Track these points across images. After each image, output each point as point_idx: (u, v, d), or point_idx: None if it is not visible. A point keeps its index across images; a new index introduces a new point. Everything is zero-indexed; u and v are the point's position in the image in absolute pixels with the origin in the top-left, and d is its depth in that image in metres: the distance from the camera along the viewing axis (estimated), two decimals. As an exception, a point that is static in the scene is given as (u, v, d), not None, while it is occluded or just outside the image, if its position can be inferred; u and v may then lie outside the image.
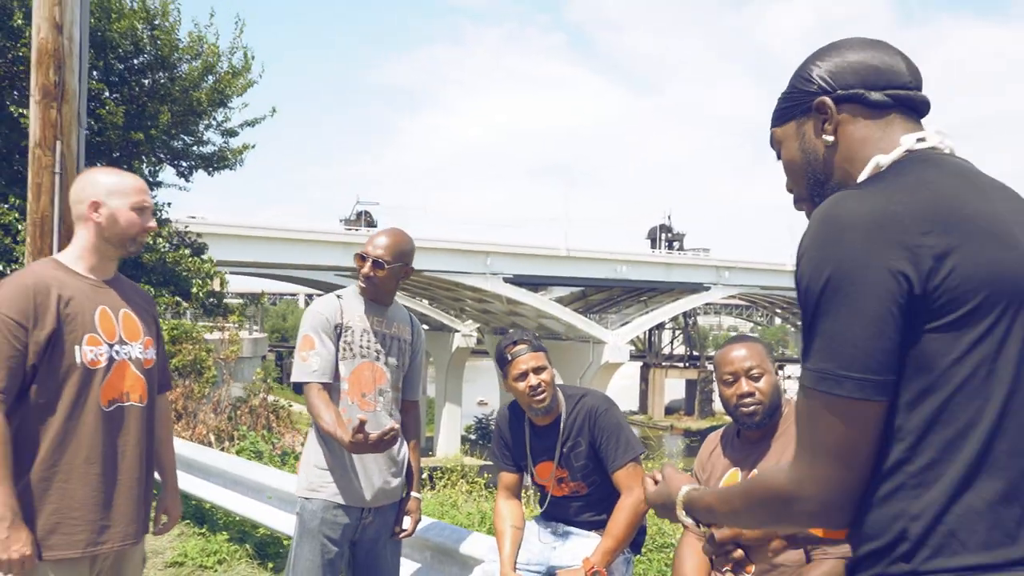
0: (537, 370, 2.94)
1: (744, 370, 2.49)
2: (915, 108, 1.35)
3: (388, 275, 3.01)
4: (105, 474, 2.35)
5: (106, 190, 2.41)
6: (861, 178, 1.30)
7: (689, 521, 1.52)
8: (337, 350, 2.98)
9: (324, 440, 2.98)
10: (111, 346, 2.40)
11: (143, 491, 2.50)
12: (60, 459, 2.28)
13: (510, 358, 2.97)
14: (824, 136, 1.37)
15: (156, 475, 2.78)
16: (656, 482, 1.64)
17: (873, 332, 1.14)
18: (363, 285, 3.04)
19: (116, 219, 2.42)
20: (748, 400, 2.47)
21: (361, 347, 3.00)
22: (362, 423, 2.65)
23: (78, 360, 2.31)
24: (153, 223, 2.52)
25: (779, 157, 1.48)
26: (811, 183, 1.42)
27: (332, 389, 2.96)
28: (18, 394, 2.23)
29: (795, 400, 2.62)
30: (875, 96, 1.33)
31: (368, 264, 3.00)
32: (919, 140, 1.30)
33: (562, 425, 2.99)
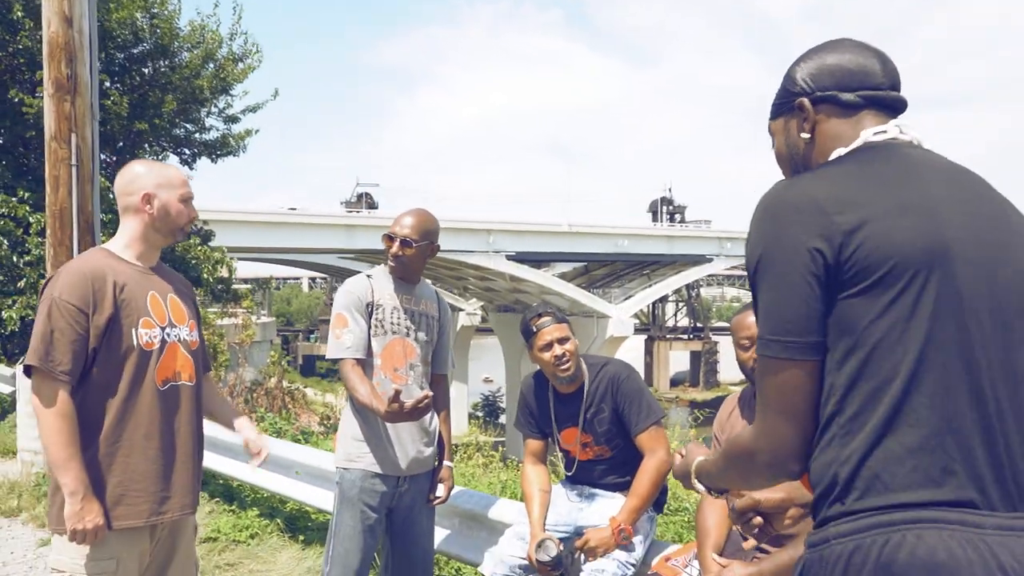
0: (561, 340, 3.08)
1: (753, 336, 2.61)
2: (889, 106, 1.50)
3: (416, 253, 3.15)
4: (163, 449, 2.50)
5: (156, 183, 2.55)
6: None
7: (701, 488, 1.69)
8: (369, 327, 3.11)
9: (360, 412, 3.12)
10: (163, 329, 2.54)
11: (196, 465, 2.65)
12: (122, 435, 2.43)
13: (535, 330, 3.11)
14: (802, 134, 1.55)
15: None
16: (682, 456, 1.82)
17: (794, 301, 1.33)
18: (392, 264, 3.17)
19: (168, 210, 2.56)
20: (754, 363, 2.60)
21: (392, 324, 3.14)
22: (397, 392, 2.78)
23: (135, 343, 2.45)
24: (196, 212, 2.67)
25: (773, 147, 1.66)
26: (794, 173, 1.60)
27: (366, 364, 3.10)
28: (80, 376, 2.37)
29: None
30: (847, 97, 1.50)
31: (396, 244, 3.14)
32: (877, 133, 1.47)
33: (585, 392, 3.12)
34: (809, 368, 1.34)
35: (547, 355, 3.09)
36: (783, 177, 1.62)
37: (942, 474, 1.25)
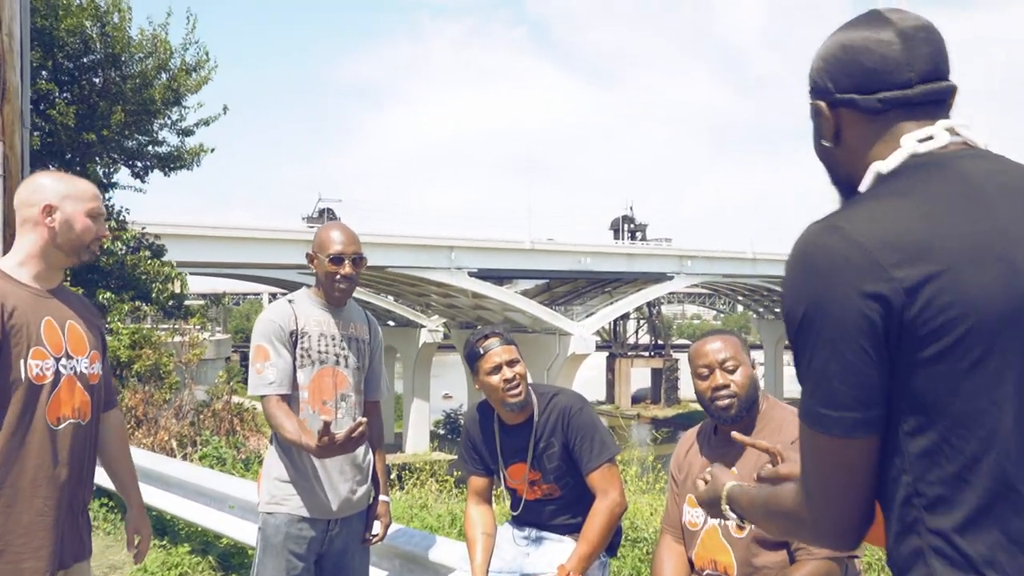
0: (511, 363, 2.85)
1: (719, 362, 2.43)
2: (927, 102, 1.23)
3: (362, 269, 2.93)
4: (51, 497, 2.21)
5: (60, 194, 2.28)
6: (861, 188, 1.23)
7: (733, 516, 1.54)
8: (294, 358, 2.85)
9: (286, 452, 2.86)
10: (57, 360, 2.25)
11: (86, 511, 2.39)
12: (3, 483, 2.14)
13: (482, 352, 2.86)
14: (823, 141, 1.31)
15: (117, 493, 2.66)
16: (706, 482, 1.65)
17: (847, 371, 1.11)
18: (343, 287, 2.91)
19: (71, 225, 2.29)
20: (723, 392, 2.40)
21: (320, 352, 2.88)
22: (327, 424, 2.52)
23: (23, 375, 2.16)
24: (106, 231, 2.39)
25: None
26: (829, 176, 1.37)
27: (291, 399, 2.84)
28: None
29: (775, 400, 2.54)
30: (867, 102, 1.24)
31: (348, 264, 2.89)
32: (922, 140, 1.21)
33: (535, 423, 2.89)
34: (864, 446, 1.13)
35: (495, 379, 2.84)
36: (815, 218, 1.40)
37: None
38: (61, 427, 2.24)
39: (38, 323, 2.22)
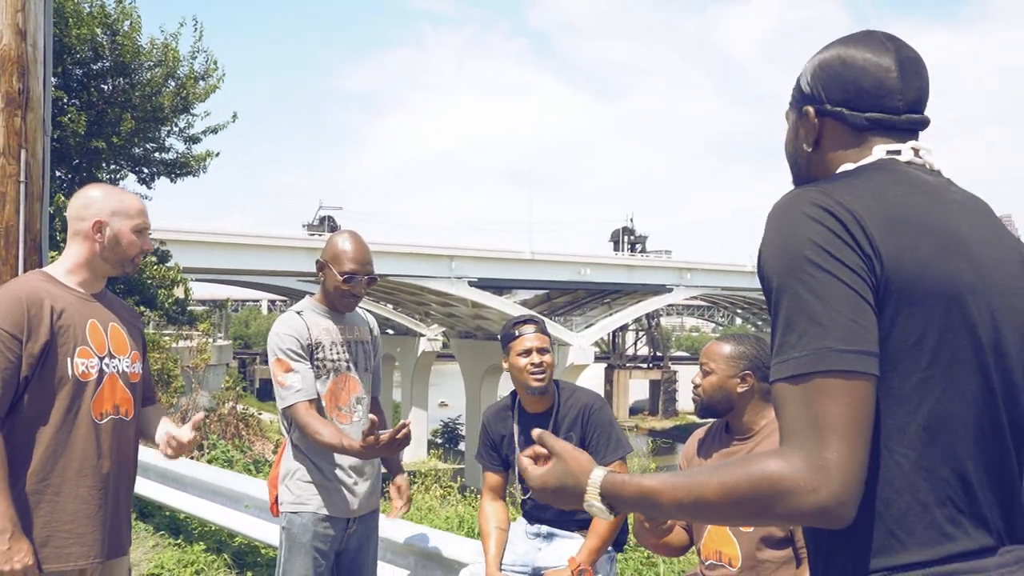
0: (541, 350, 3.02)
1: (701, 363, 2.63)
2: (904, 129, 1.35)
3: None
4: (95, 487, 2.36)
5: (110, 211, 2.43)
6: None
7: (601, 508, 1.28)
8: (312, 369, 2.94)
9: (306, 455, 2.97)
10: (101, 359, 2.40)
11: (129, 504, 2.52)
12: (52, 472, 2.28)
13: (518, 334, 3.05)
14: (804, 145, 1.40)
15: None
16: (537, 459, 1.38)
17: (860, 303, 1.12)
18: (350, 303, 3.01)
19: (118, 240, 2.44)
20: (695, 391, 2.62)
21: (333, 361, 2.98)
22: (373, 423, 2.60)
23: (70, 372, 2.31)
24: (151, 244, 2.55)
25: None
26: (793, 174, 1.47)
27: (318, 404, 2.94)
28: (10, 406, 2.23)
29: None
30: (854, 118, 1.34)
31: (360, 284, 2.98)
32: (890, 152, 1.32)
33: (554, 413, 3.03)
34: (870, 391, 1.11)
35: (524, 361, 3.00)
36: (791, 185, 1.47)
37: (954, 526, 1.16)
38: (104, 422, 2.39)
39: (83, 324, 2.38)
